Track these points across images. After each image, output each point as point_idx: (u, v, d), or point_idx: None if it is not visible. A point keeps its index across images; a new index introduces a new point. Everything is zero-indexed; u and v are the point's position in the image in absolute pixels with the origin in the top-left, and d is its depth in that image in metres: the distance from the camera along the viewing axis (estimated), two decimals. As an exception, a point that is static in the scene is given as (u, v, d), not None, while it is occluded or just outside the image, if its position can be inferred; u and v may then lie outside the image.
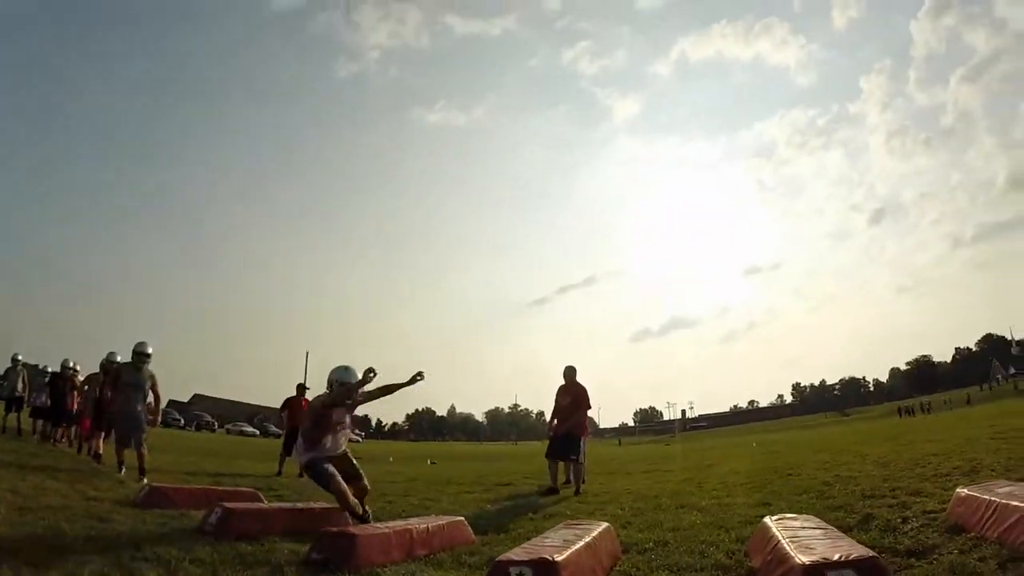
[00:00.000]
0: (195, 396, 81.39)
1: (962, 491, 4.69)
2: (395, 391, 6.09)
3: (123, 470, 8.64)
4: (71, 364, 14.06)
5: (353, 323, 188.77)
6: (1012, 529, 3.65)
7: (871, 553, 2.95)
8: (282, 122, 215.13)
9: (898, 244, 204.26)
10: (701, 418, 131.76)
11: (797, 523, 4.14)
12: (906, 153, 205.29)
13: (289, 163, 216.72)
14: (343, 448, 5.93)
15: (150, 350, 9.02)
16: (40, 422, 14.66)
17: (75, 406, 13.28)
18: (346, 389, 5.84)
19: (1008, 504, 3.85)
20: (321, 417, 5.78)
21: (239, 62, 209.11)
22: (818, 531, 3.76)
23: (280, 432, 16.25)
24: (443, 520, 5.08)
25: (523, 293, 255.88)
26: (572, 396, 10.14)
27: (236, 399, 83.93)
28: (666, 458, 22.49)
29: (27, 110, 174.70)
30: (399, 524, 4.78)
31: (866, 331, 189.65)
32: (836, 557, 2.84)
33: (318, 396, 6.04)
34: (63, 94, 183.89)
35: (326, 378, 6.00)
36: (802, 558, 2.90)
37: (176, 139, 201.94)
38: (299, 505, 5.88)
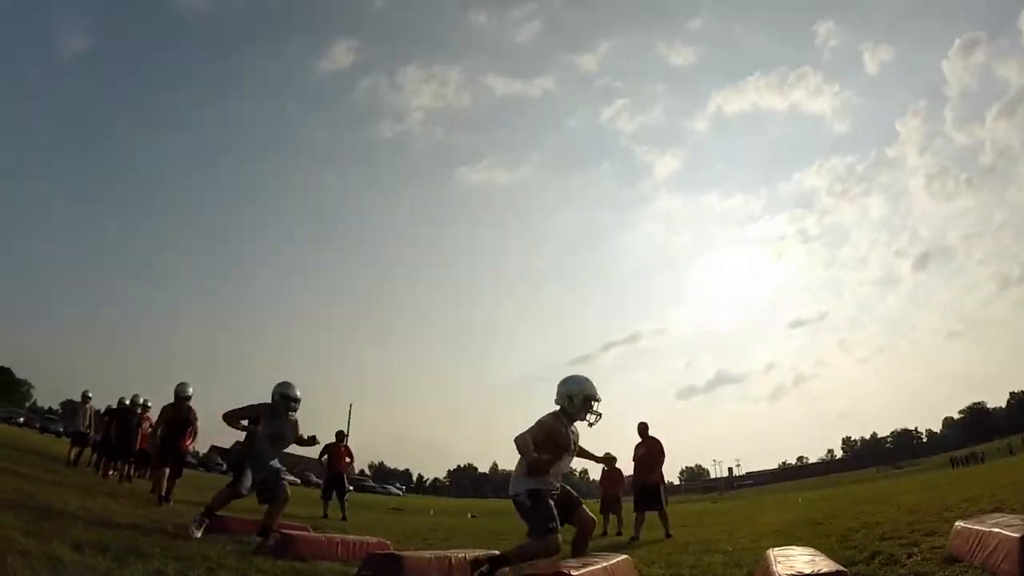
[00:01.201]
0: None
1: (959, 524, 5.04)
2: (585, 457, 5.45)
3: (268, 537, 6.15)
4: (140, 400, 14.05)
5: (394, 383, 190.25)
6: (993, 554, 4.02)
7: (840, 568, 3.40)
8: (327, 184, 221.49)
9: (945, 288, 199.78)
10: (748, 476, 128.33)
11: (794, 552, 4.57)
12: (948, 194, 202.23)
13: (333, 224, 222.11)
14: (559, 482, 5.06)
15: (299, 393, 7.04)
16: (96, 456, 15.09)
17: (141, 443, 13.51)
18: (590, 408, 5.01)
19: (991, 532, 4.22)
20: (558, 437, 4.87)
21: (282, 124, 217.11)
22: (807, 556, 4.18)
23: (319, 482, 16.78)
24: (479, 552, 5.55)
25: (565, 351, 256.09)
26: (647, 448, 11.05)
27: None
28: (707, 514, 22.42)
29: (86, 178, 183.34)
30: (440, 552, 5.30)
31: (917, 380, 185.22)
32: (809, 571, 3.30)
33: (549, 414, 4.99)
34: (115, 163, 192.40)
35: (557, 391, 5.05)
36: (781, 572, 3.37)
37: (223, 204, 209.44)
38: (348, 537, 6.32)
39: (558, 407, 4.98)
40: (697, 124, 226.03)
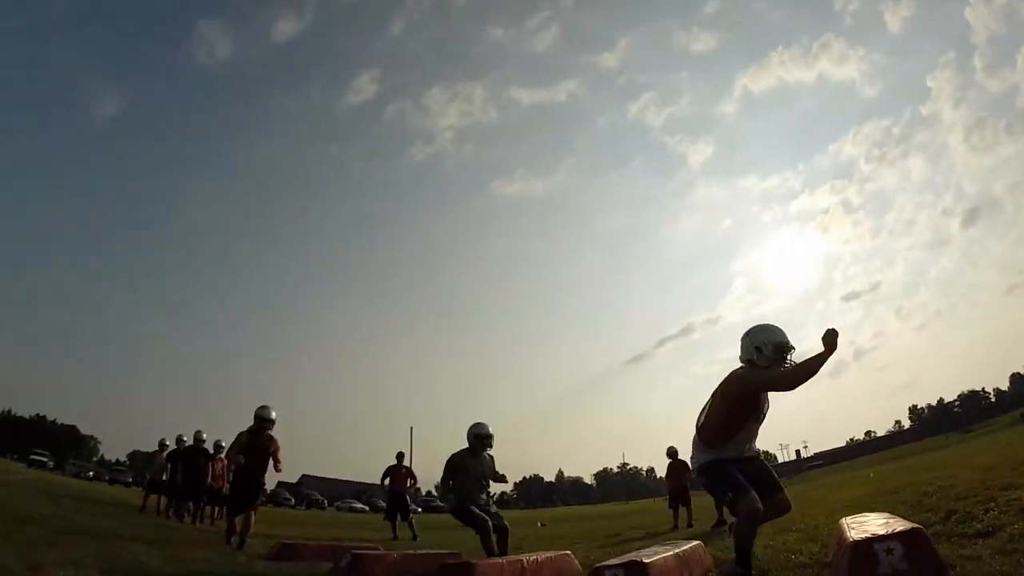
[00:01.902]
0: (303, 477, 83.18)
1: (1034, 475, 4.94)
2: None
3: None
4: (203, 437, 13.65)
5: (453, 401, 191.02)
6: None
7: (915, 526, 3.35)
8: (367, 212, 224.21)
9: (999, 241, 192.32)
10: (817, 456, 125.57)
11: (868, 518, 4.52)
12: (988, 145, 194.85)
13: (377, 253, 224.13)
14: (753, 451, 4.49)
15: (491, 431, 7.45)
16: (163, 499, 14.39)
17: (219, 483, 13.29)
18: (783, 359, 4.34)
19: (1066, 478, 4.15)
20: (748, 398, 4.31)
21: (316, 161, 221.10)
22: (881, 520, 4.12)
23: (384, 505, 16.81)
24: (551, 553, 5.63)
25: (620, 351, 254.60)
26: None
27: (343, 478, 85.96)
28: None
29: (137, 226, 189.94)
30: (512, 557, 5.37)
31: (979, 339, 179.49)
32: (883, 532, 3.27)
33: (738, 370, 4.44)
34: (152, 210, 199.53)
35: (743, 345, 4.48)
36: (854, 536, 3.35)
37: (264, 242, 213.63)
38: (420, 552, 6.40)
39: (744, 363, 4.46)
40: (725, 108, 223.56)
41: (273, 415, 8.54)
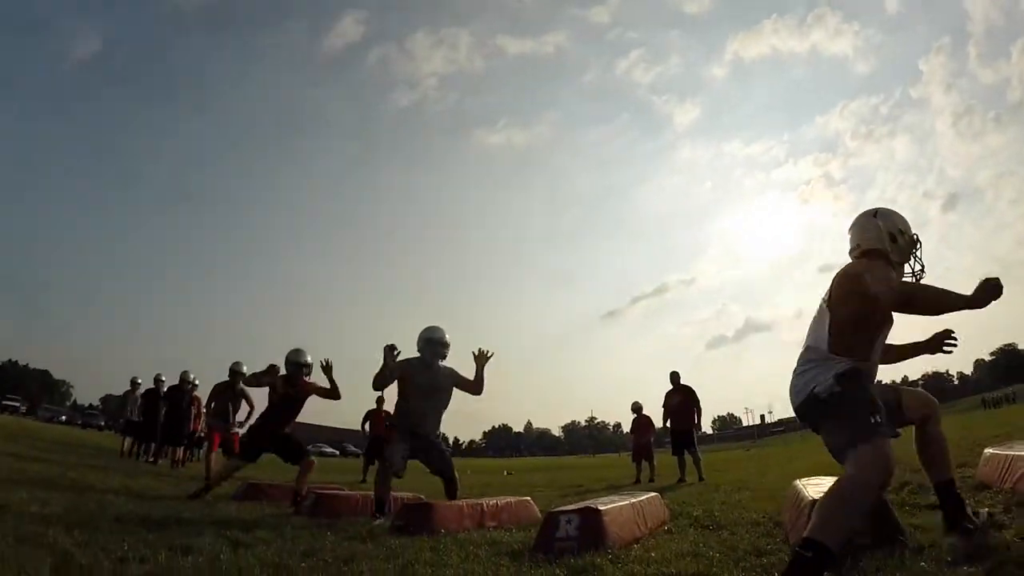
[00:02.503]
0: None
1: (988, 451, 5.03)
2: None
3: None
4: (190, 378, 12.88)
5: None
6: (1023, 478, 4.03)
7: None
8: (348, 156, 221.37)
9: (976, 229, 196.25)
10: (780, 423, 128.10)
11: (823, 480, 4.57)
12: (975, 133, 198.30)
13: (356, 195, 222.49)
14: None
15: (448, 338, 6.00)
16: (137, 443, 14.26)
17: (194, 425, 13.00)
18: (916, 254, 3.34)
19: (1019, 455, 4.23)
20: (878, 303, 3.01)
21: (298, 102, 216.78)
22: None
23: (358, 451, 16.95)
24: (511, 498, 5.68)
25: (594, 306, 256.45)
26: (681, 396, 11.57)
27: (313, 423, 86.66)
28: (740, 460, 22.54)
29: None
30: (472, 500, 5.41)
31: (947, 323, 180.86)
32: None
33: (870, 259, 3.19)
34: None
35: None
36: (812, 495, 3.40)
37: (242, 185, 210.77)
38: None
39: (864, 254, 3.28)
40: (715, 71, 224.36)
41: (309, 359, 7.22)
